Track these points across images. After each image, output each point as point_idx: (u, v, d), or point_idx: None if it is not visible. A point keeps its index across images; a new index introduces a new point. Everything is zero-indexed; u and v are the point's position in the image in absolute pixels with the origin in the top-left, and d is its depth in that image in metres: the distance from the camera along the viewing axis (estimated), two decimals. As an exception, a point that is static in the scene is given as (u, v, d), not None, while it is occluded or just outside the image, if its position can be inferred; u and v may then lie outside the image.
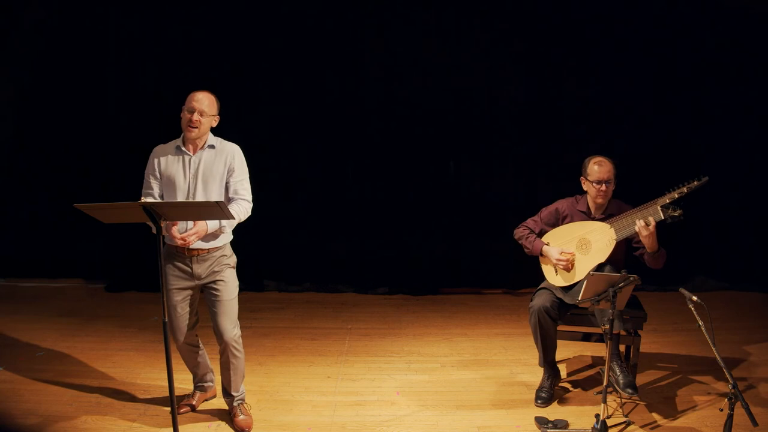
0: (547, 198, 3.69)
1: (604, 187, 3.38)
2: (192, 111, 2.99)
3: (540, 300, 3.43)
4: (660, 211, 3.17)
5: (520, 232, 3.61)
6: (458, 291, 5.53)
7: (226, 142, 3.13)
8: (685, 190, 3.19)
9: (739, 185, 5.27)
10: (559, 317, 3.43)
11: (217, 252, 3.10)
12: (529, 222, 3.62)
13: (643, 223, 3.19)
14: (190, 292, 3.13)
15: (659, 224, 3.21)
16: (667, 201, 3.20)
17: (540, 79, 5.32)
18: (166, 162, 3.06)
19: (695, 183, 3.20)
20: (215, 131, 3.13)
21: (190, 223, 2.97)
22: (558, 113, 5.36)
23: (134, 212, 2.61)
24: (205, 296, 3.16)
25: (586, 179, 3.45)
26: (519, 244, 3.63)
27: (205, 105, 3.00)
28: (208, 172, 3.04)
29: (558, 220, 3.56)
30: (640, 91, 5.31)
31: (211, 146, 3.08)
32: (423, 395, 3.61)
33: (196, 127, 2.98)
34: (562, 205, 3.58)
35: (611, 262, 3.35)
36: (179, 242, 2.93)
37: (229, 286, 3.13)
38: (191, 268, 3.07)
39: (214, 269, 3.10)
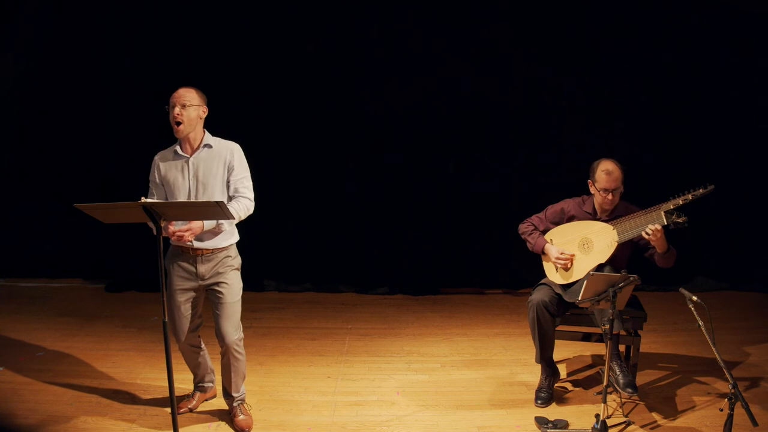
0: (548, 198, 3.69)
1: (610, 196, 3.35)
2: (173, 106, 2.96)
3: (539, 295, 3.43)
4: (663, 216, 3.14)
5: (524, 228, 3.62)
6: (458, 291, 5.54)
7: (224, 140, 3.10)
8: (690, 197, 3.15)
9: (739, 185, 5.26)
10: (558, 313, 3.43)
11: (221, 252, 3.09)
12: (534, 218, 3.62)
13: (651, 229, 3.14)
14: (193, 293, 3.12)
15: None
16: (672, 207, 3.16)
17: (541, 78, 5.31)
18: (165, 168, 3.05)
19: (701, 191, 3.15)
20: (213, 132, 3.11)
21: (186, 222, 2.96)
22: (559, 113, 5.35)
23: (134, 212, 2.60)
24: (208, 297, 3.16)
25: (593, 184, 3.42)
26: (522, 239, 3.63)
27: (185, 98, 2.96)
28: (208, 173, 3.02)
29: (563, 220, 3.55)
30: (641, 91, 5.30)
31: (208, 146, 3.05)
32: (423, 395, 3.61)
33: (181, 122, 2.95)
34: (568, 204, 3.57)
35: (612, 263, 3.34)
36: (173, 238, 2.93)
37: (232, 288, 3.12)
38: (195, 268, 3.06)
39: (218, 270, 3.09)
